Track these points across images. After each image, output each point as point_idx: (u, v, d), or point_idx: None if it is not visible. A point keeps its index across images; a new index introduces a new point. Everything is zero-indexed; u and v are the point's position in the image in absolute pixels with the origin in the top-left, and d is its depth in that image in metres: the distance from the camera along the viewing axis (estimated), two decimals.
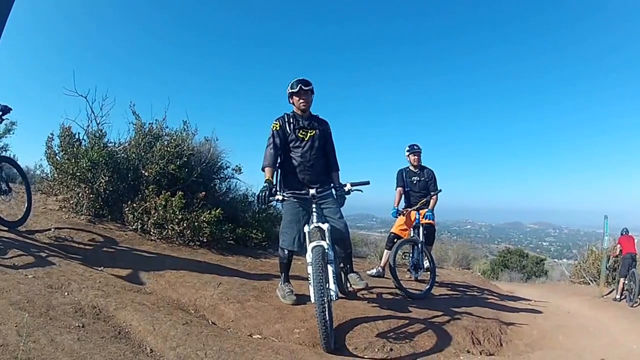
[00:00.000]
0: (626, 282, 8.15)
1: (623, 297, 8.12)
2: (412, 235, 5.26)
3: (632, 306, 7.54)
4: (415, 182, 5.58)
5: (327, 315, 2.70)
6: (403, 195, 5.64)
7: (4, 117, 4.30)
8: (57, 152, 5.43)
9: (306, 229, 3.20)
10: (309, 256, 2.94)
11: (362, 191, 3.47)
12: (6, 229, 3.91)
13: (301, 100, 3.53)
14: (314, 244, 3.00)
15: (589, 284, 10.98)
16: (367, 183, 3.41)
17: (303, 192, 3.34)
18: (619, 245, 8.81)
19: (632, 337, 4.84)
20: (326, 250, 3.00)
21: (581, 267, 11.90)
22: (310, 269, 2.86)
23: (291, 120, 3.60)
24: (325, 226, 3.17)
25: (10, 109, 4.19)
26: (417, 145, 5.64)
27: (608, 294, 8.96)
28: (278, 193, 3.30)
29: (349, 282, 3.70)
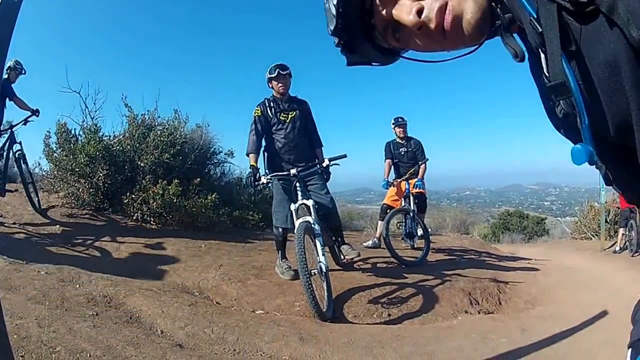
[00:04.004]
0: (625, 232, 8.20)
1: (624, 248, 8.16)
2: (403, 205, 5.41)
3: (633, 256, 7.55)
4: (403, 153, 5.72)
5: (313, 286, 2.87)
6: (392, 167, 5.77)
7: (29, 119, 4.49)
8: (54, 149, 5.52)
9: (292, 207, 3.37)
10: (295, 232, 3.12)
11: (339, 164, 3.66)
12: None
13: (280, 84, 3.72)
14: (300, 220, 3.18)
15: (591, 239, 10.96)
16: (344, 156, 3.62)
17: (285, 172, 3.52)
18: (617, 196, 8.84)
19: (636, 286, 4.67)
20: (312, 225, 3.17)
21: (582, 223, 11.84)
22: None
23: (272, 105, 3.79)
24: (309, 202, 3.35)
25: (39, 113, 4.42)
26: (401, 118, 5.78)
27: (610, 247, 8.96)
28: (263, 176, 3.51)
29: (342, 254, 3.89)
